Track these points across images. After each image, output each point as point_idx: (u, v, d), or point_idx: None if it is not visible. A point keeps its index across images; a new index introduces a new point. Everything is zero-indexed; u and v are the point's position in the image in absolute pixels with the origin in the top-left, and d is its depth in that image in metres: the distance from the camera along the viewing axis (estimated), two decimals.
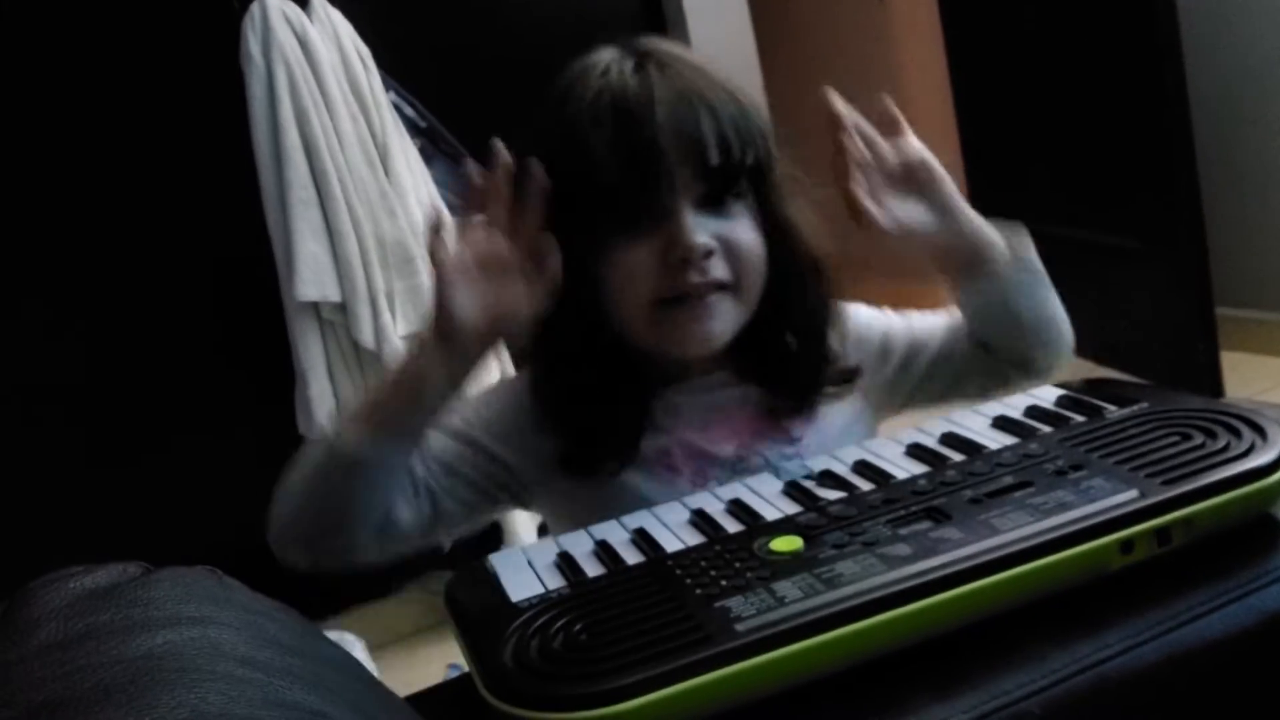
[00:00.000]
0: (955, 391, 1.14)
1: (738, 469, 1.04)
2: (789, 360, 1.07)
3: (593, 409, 1.02)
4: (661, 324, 1.00)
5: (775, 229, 1.05)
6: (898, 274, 1.20)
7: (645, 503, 0.90)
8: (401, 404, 0.96)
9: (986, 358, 1.12)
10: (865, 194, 1.03)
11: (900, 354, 1.15)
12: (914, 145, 1.09)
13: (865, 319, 1.16)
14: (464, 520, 1.06)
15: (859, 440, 0.99)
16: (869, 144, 1.06)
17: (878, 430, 1.16)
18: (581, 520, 0.89)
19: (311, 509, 0.98)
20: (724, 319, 1.01)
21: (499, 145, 0.94)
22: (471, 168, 0.97)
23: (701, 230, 0.98)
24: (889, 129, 1.09)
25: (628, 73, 0.99)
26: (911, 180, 1.07)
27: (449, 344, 0.93)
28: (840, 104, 1.06)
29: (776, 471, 0.91)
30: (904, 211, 1.06)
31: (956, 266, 1.10)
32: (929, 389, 1.15)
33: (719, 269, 1.00)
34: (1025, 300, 1.11)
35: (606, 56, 1.02)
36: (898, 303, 1.19)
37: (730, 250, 1.00)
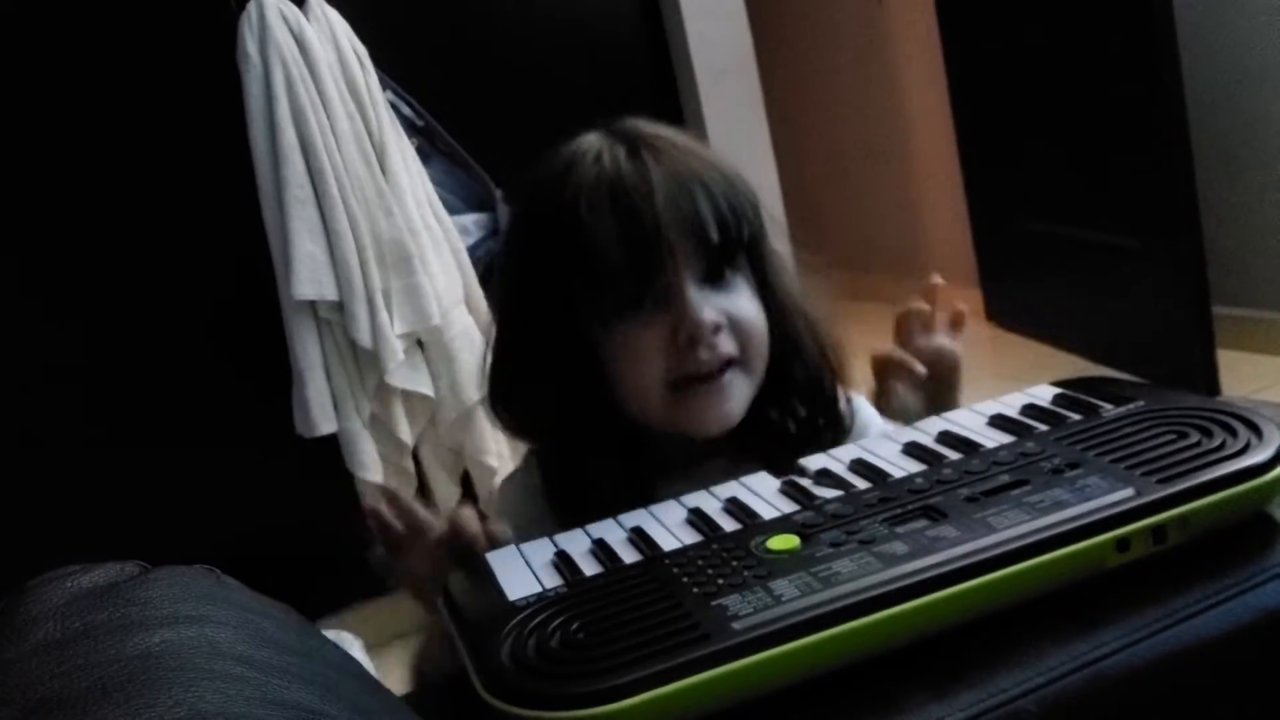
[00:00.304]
0: None
1: None
2: (797, 432, 1.07)
3: (598, 498, 1.01)
4: (678, 405, 1.01)
5: (773, 299, 1.06)
6: None
7: None
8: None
9: None
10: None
11: None
12: (955, 347, 1.12)
13: (868, 411, 1.16)
14: None
15: None
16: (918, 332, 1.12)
17: None
18: None
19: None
20: (738, 395, 1.02)
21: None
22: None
23: (707, 307, 0.99)
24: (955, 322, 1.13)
25: (621, 158, 1.00)
26: (932, 373, 1.11)
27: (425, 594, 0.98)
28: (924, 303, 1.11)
29: None
30: (905, 399, 1.11)
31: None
32: None
33: (727, 344, 1.00)
34: None
35: (596, 143, 1.03)
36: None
37: (735, 324, 1.01)
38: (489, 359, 1.09)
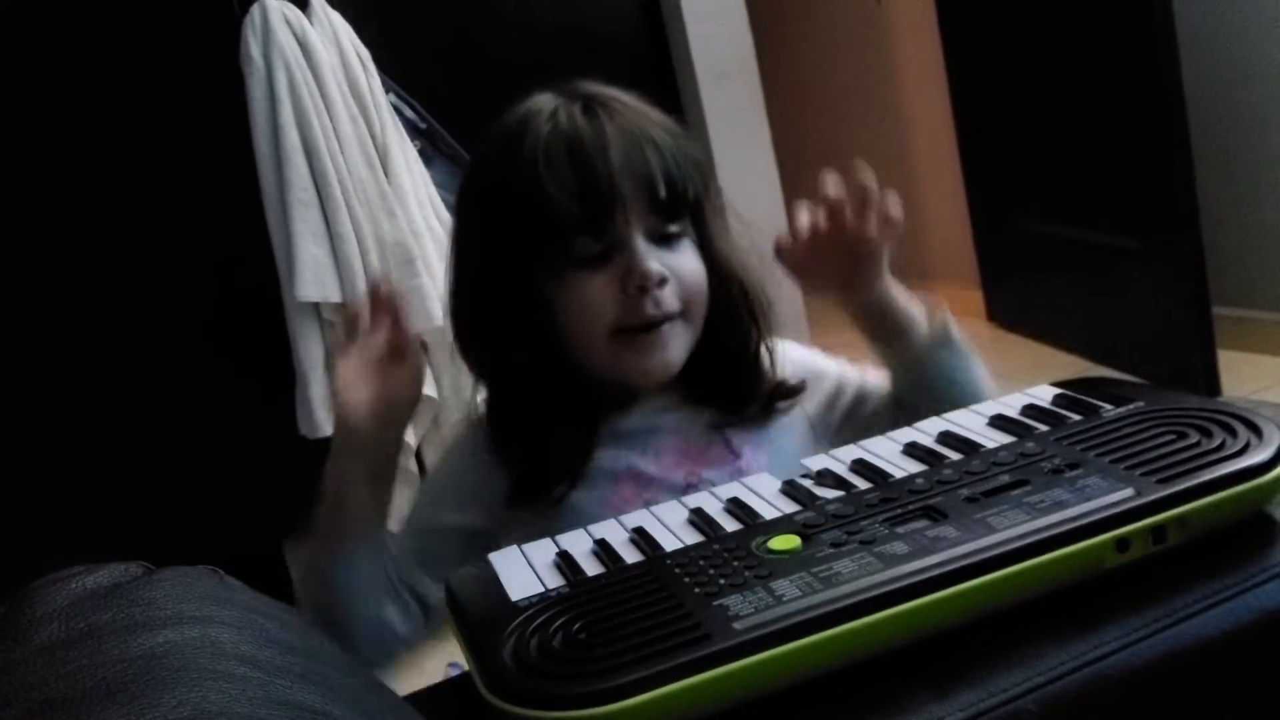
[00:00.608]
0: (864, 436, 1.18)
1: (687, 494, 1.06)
2: (732, 378, 1.13)
3: (542, 434, 1.08)
4: (621, 353, 1.06)
5: (713, 257, 1.11)
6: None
7: None
8: (336, 508, 1.05)
9: (898, 411, 1.16)
10: (790, 257, 1.10)
11: (827, 391, 1.20)
12: (870, 225, 1.10)
13: (796, 354, 1.20)
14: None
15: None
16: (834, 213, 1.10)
17: None
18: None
19: (314, 618, 1.03)
20: (678, 346, 1.07)
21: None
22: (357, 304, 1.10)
23: (654, 260, 1.04)
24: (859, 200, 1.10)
25: (577, 115, 1.04)
26: (849, 250, 1.10)
27: (354, 440, 1.04)
28: (834, 187, 1.09)
29: None
30: (821, 275, 1.12)
31: (872, 334, 1.15)
32: (846, 430, 1.19)
33: (671, 299, 1.05)
34: (942, 372, 1.13)
35: (550, 101, 1.07)
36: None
37: (679, 280, 1.06)
38: (449, 303, 1.15)
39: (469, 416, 1.17)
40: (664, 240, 1.06)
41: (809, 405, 1.17)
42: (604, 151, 1.02)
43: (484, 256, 1.08)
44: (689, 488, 1.08)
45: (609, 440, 1.10)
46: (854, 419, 1.19)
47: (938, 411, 1.01)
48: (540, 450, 1.08)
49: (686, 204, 1.07)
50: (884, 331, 1.14)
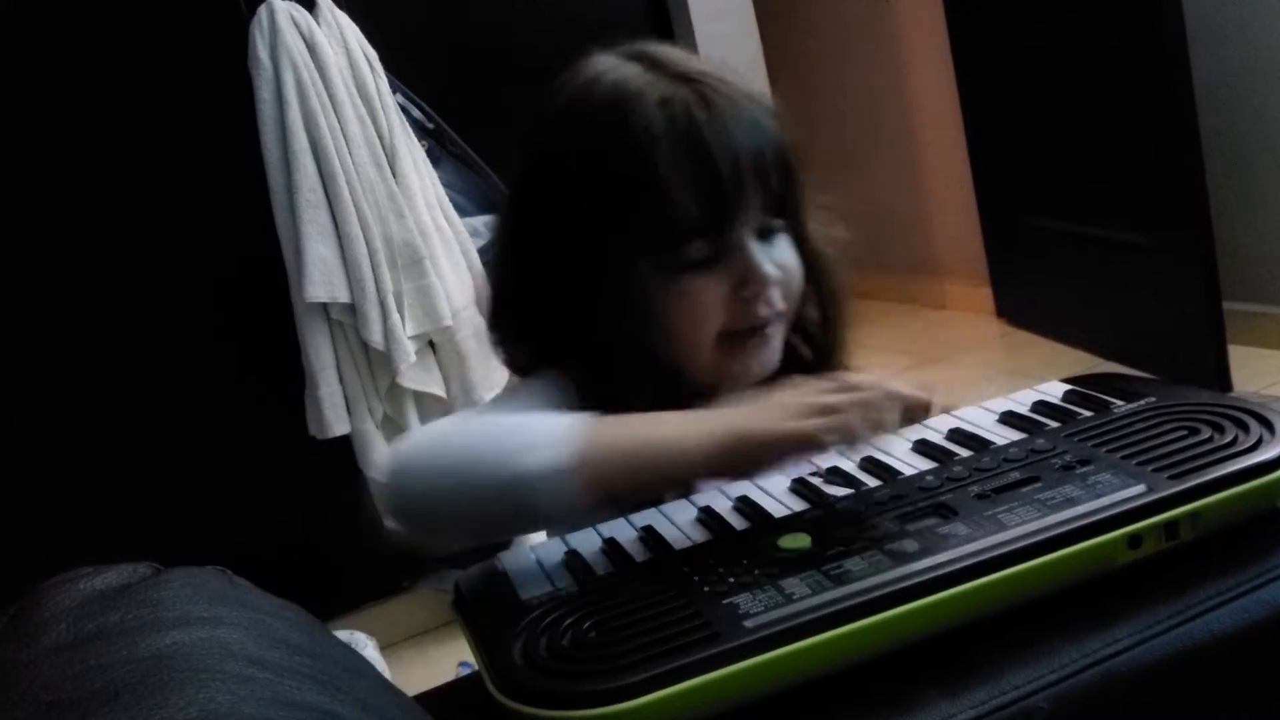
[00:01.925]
0: None
1: None
2: (814, 369, 1.06)
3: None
4: (727, 357, 1.00)
5: (803, 246, 1.05)
6: None
7: None
8: (648, 483, 0.87)
9: None
10: None
11: None
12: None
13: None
14: None
15: None
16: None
17: None
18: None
19: (467, 515, 0.86)
20: (778, 345, 1.03)
21: None
22: None
23: (767, 262, 0.99)
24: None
25: (693, 106, 0.96)
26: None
27: (752, 456, 0.85)
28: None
29: None
30: None
31: None
32: None
33: (779, 299, 1.00)
34: None
35: (645, 80, 0.99)
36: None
37: (785, 280, 1.01)
38: (494, 284, 1.07)
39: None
40: (768, 236, 1.01)
41: None
42: (731, 156, 0.95)
43: (573, 243, 1.00)
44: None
45: None
46: None
47: None
48: None
49: (791, 199, 1.02)
50: None
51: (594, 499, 0.82)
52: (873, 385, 0.84)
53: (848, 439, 0.82)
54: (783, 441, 0.82)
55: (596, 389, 1.00)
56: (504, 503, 0.82)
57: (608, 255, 0.97)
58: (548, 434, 0.82)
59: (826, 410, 0.82)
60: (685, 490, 0.91)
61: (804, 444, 0.82)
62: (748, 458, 0.84)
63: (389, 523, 0.89)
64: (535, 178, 1.05)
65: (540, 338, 1.06)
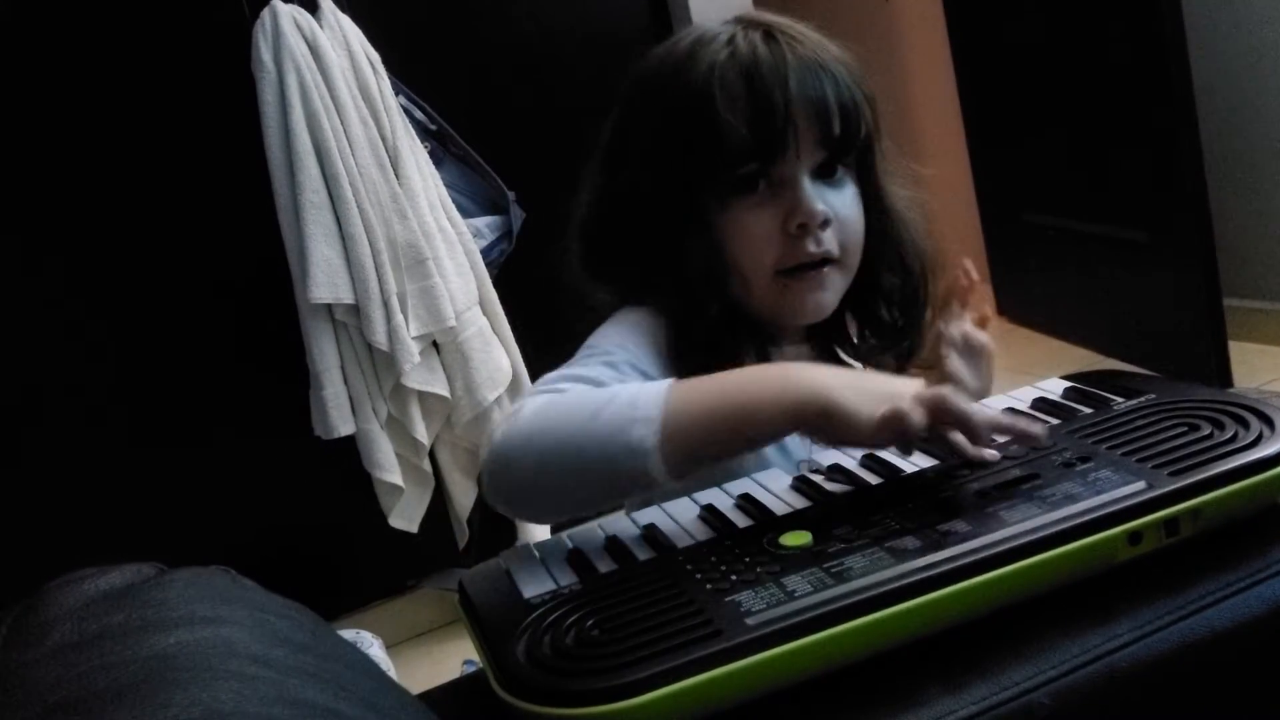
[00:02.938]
0: None
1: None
2: (877, 335, 1.12)
3: (728, 351, 1.02)
4: (781, 292, 1.03)
5: (876, 202, 1.08)
6: None
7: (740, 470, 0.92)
8: (738, 449, 0.88)
9: None
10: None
11: None
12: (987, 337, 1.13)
13: None
14: None
15: None
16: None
17: None
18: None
19: (569, 490, 0.88)
20: (834, 290, 1.05)
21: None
22: None
23: (819, 200, 1.01)
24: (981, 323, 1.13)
25: (757, 42, 1.01)
26: (976, 355, 1.12)
27: (836, 426, 0.83)
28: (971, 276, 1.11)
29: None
30: (962, 371, 1.10)
31: None
32: None
33: (830, 241, 1.02)
34: None
35: (727, 29, 1.04)
36: None
37: (840, 223, 1.03)
38: (582, 219, 1.11)
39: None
40: (829, 179, 1.03)
41: None
42: (783, 81, 0.99)
43: (649, 177, 1.04)
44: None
45: None
46: None
47: None
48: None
49: (856, 142, 1.04)
50: None
51: (687, 463, 0.84)
52: (982, 418, 0.81)
53: (917, 447, 0.84)
54: (861, 428, 0.81)
55: (679, 324, 1.04)
56: (614, 475, 0.85)
57: (677, 185, 1.01)
58: (646, 405, 0.84)
59: (916, 419, 0.80)
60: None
61: (879, 439, 0.82)
62: (821, 428, 0.84)
63: (492, 500, 0.91)
64: (621, 122, 1.10)
65: (625, 275, 1.09)
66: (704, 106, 0.99)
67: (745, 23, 1.04)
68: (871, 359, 1.12)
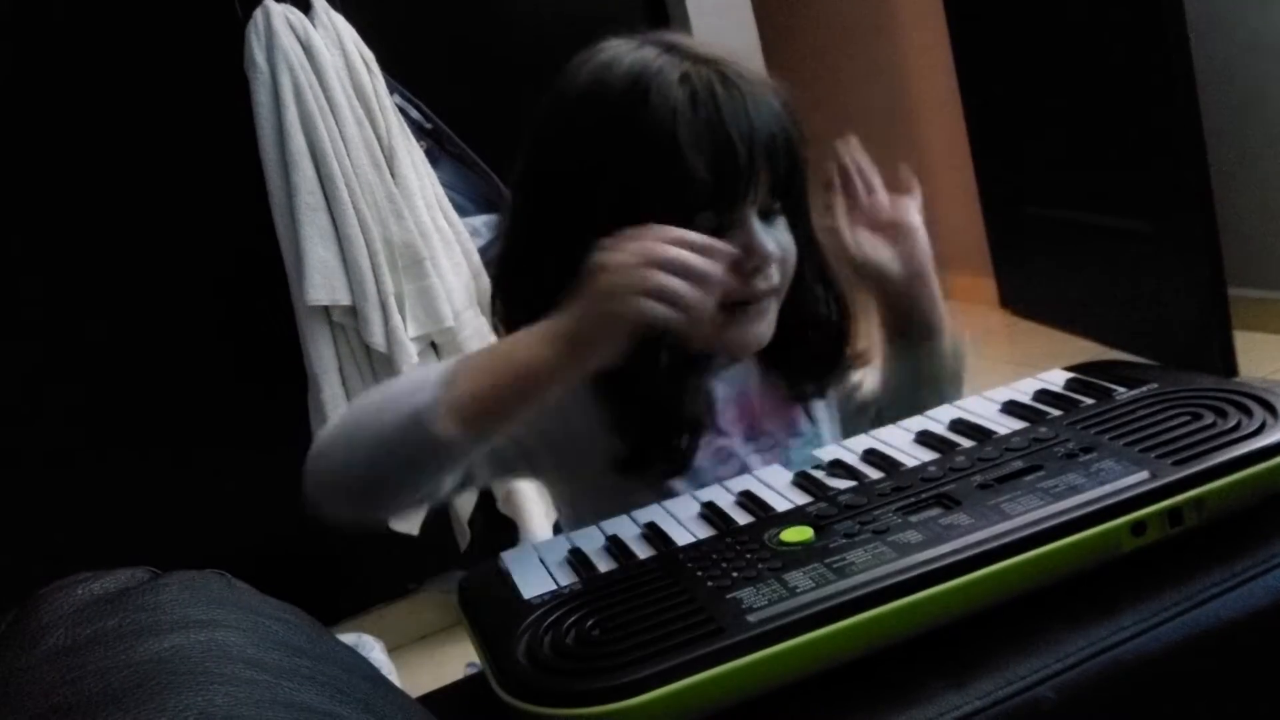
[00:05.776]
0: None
1: (756, 450, 1.09)
2: (816, 347, 1.12)
3: (667, 391, 1.03)
4: (724, 326, 1.03)
5: (802, 233, 1.09)
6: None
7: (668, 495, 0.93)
8: (515, 402, 0.91)
9: (875, 418, 1.17)
10: (845, 221, 1.11)
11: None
12: (910, 209, 1.14)
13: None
14: (483, 485, 1.07)
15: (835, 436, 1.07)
16: (868, 189, 1.12)
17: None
18: (599, 507, 0.91)
19: (376, 474, 0.93)
20: (772, 320, 1.06)
21: None
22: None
23: (768, 239, 1.02)
24: (898, 188, 1.13)
25: (715, 85, 0.99)
26: (892, 233, 1.12)
27: (594, 349, 0.89)
28: (854, 157, 1.12)
29: (787, 460, 0.92)
30: (873, 249, 1.11)
31: (899, 326, 1.15)
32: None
33: (776, 275, 1.04)
34: (941, 384, 1.14)
35: (664, 61, 1.01)
36: None
37: (783, 258, 1.04)
38: (501, 264, 1.11)
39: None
40: (769, 216, 1.04)
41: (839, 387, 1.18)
42: (747, 133, 0.98)
43: (587, 213, 1.00)
44: (748, 442, 1.09)
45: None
46: (844, 411, 1.20)
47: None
48: (666, 406, 1.02)
49: (800, 182, 1.06)
50: (911, 330, 1.14)
51: (480, 425, 0.89)
52: (659, 237, 0.87)
53: (674, 304, 0.86)
54: (612, 323, 0.87)
55: (623, 366, 1.00)
56: (407, 445, 0.89)
57: (622, 223, 0.97)
58: (433, 374, 0.90)
59: (641, 280, 0.85)
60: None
61: (634, 319, 0.86)
62: (592, 348, 0.88)
63: (312, 503, 0.96)
64: (550, 153, 1.08)
65: (547, 311, 1.05)
66: (666, 153, 0.97)
67: (683, 54, 1.02)
68: (805, 385, 1.13)
